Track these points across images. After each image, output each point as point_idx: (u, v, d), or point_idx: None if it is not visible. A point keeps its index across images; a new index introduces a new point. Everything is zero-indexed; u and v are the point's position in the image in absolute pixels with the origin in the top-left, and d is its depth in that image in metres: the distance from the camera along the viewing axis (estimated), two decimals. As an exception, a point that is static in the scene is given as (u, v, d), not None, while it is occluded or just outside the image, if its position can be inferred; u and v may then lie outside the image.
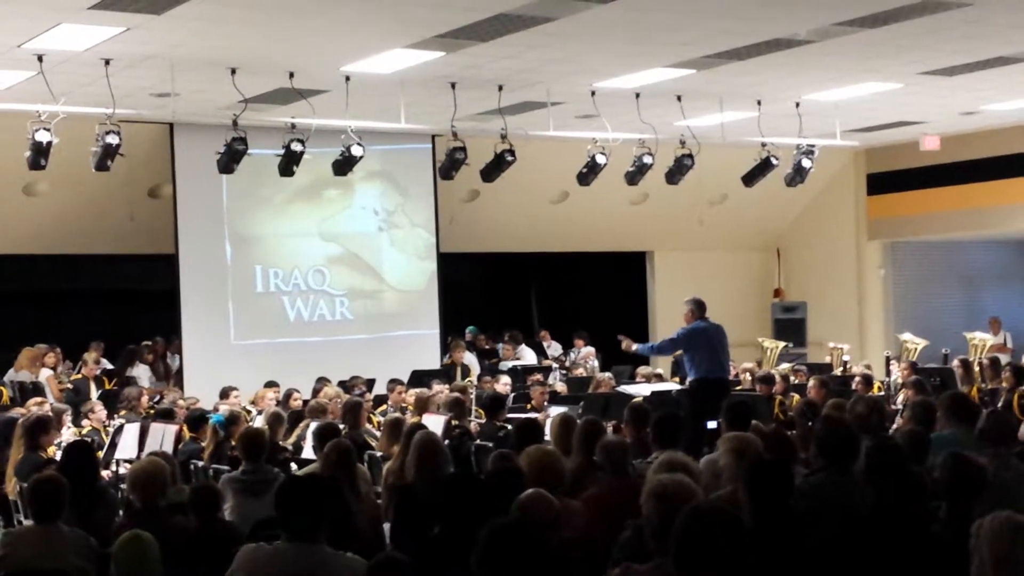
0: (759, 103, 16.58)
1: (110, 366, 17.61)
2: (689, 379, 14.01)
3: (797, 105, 16.85)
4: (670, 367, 19.61)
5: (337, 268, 18.98)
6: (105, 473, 11.07)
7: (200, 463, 11.22)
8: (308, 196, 18.64)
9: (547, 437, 9.35)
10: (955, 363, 16.26)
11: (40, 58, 12.50)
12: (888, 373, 17.73)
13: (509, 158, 16.05)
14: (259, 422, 12.69)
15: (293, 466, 10.97)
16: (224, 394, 14.52)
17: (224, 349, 17.93)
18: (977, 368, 16.05)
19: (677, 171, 17.41)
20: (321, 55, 13.23)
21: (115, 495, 9.37)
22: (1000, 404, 13.66)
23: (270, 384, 15.14)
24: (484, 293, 24.86)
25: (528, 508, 6.01)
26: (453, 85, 14.72)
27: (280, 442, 11.47)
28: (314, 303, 18.87)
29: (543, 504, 6.14)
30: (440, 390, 14.72)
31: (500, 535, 4.73)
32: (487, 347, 20.92)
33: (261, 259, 18.56)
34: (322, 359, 17.76)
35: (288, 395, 14.73)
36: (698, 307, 13.91)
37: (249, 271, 18.47)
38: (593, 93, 15.53)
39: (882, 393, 15.83)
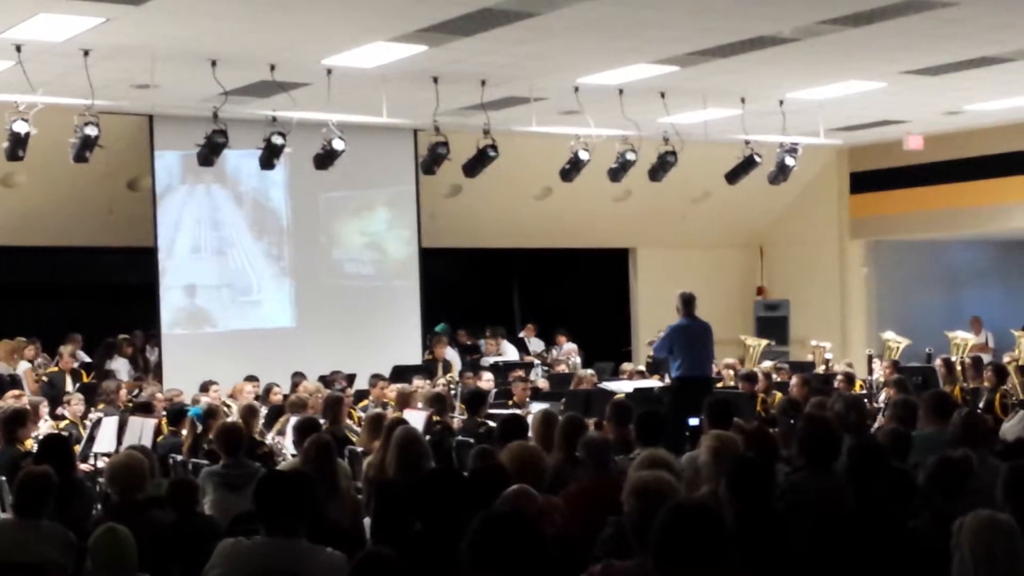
0: (743, 101, 16.58)
1: (87, 359, 17.55)
2: (671, 376, 14.02)
3: (781, 103, 16.85)
4: (646, 364, 19.62)
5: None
6: (84, 467, 11.04)
7: (179, 457, 11.18)
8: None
9: (529, 434, 9.32)
10: (937, 362, 16.28)
11: (18, 48, 12.41)
12: (870, 372, 17.76)
13: (492, 153, 16.02)
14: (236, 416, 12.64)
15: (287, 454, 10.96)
16: (204, 388, 14.50)
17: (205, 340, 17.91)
18: (959, 367, 16.07)
19: (660, 168, 17.40)
20: (302, 48, 13.17)
21: (92, 488, 9.34)
22: (982, 403, 13.71)
23: (250, 378, 15.09)
24: (466, 289, 24.83)
25: (512, 504, 5.99)
26: (435, 80, 14.67)
27: (256, 436, 11.42)
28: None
29: (527, 500, 6.12)
30: (421, 385, 14.70)
31: (494, 524, 4.70)
32: (469, 343, 20.90)
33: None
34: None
35: (268, 389, 14.71)
36: (683, 304, 13.90)
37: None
38: (576, 89, 15.49)
39: (864, 391, 15.84)
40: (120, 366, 17.51)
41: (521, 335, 21.80)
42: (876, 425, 11.79)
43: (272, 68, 13.83)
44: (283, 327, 18.82)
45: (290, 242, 18.90)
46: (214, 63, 13.43)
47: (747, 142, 17.71)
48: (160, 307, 17.61)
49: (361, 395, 15.43)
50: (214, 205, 18.37)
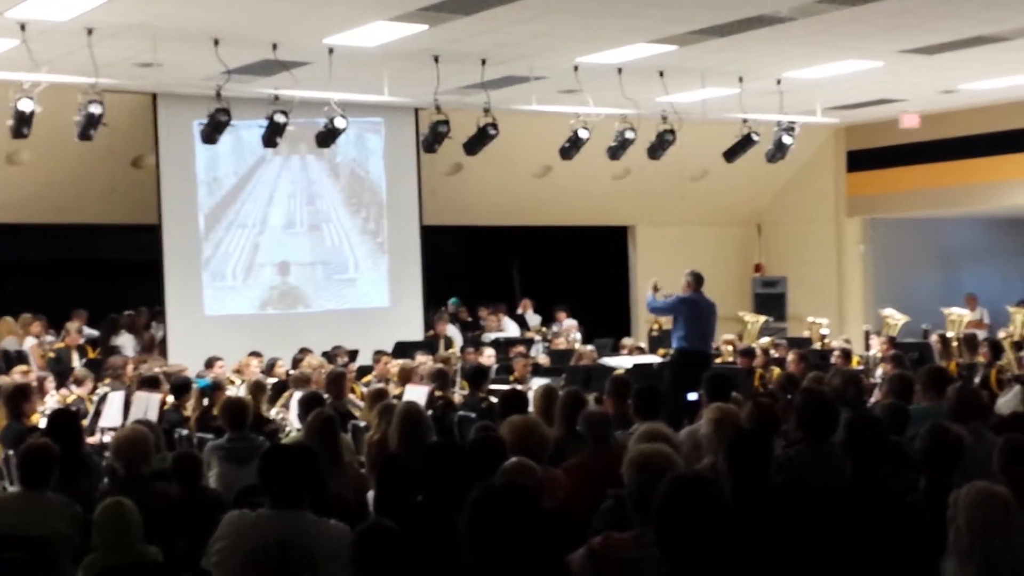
0: (740, 80, 16.60)
1: (94, 333, 17.62)
2: (672, 348, 14.14)
3: (778, 82, 16.88)
4: (648, 341, 19.68)
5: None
6: (90, 441, 11.10)
7: (185, 432, 11.26)
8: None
9: (530, 408, 9.40)
10: (933, 338, 16.38)
11: (23, 27, 12.43)
12: (867, 348, 17.83)
13: (492, 132, 16.07)
14: (243, 391, 12.72)
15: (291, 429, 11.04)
16: (209, 364, 14.56)
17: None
18: (955, 344, 16.15)
19: (659, 146, 17.45)
20: (304, 27, 13.20)
21: (99, 462, 9.40)
22: (978, 379, 13.79)
23: (254, 354, 15.16)
24: (466, 266, 24.88)
25: (512, 476, 6.07)
26: (436, 58, 14.70)
27: (263, 412, 11.51)
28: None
29: (526, 473, 6.19)
30: (424, 361, 14.78)
31: (490, 497, 4.76)
32: (469, 319, 20.96)
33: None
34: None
35: (272, 364, 14.77)
36: (695, 280, 14.12)
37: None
38: (576, 68, 15.52)
39: (861, 367, 15.92)
40: (126, 342, 17.57)
41: (519, 311, 21.85)
42: (872, 400, 11.88)
43: (274, 47, 13.86)
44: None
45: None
46: (217, 42, 13.46)
47: (745, 121, 17.76)
48: (165, 284, 17.56)
49: (364, 371, 15.51)
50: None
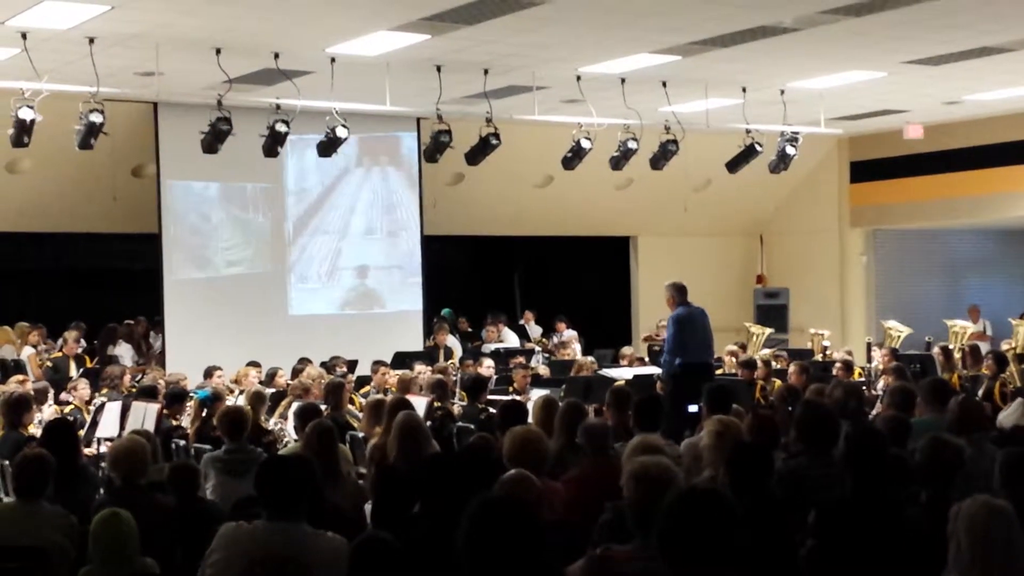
0: (744, 90, 16.60)
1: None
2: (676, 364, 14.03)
3: (782, 92, 16.86)
4: (648, 354, 19.63)
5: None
6: (87, 451, 11.06)
7: (182, 442, 11.22)
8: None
9: (530, 420, 9.36)
10: (936, 350, 16.32)
11: (24, 35, 12.44)
12: (869, 359, 17.79)
13: (494, 142, 16.05)
14: (241, 401, 12.67)
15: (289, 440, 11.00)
16: (208, 374, 14.53)
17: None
18: (958, 355, 16.11)
19: (662, 157, 17.43)
20: (306, 36, 13.20)
21: (95, 473, 9.37)
22: (982, 391, 13.73)
23: (252, 363, 15.11)
24: (468, 276, 24.86)
25: (510, 488, 6.03)
26: (439, 68, 14.69)
27: (262, 423, 11.46)
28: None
29: (525, 485, 6.16)
30: (422, 371, 14.73)
31: (488, 510, 4.73)
32: (469, 330, 20.94)
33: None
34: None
35: (272, 374, 14.73)
36: (679, 292, 13.83)
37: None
38: (579, 78, 15.52)
39: (863, 379, 15.88)
40: (124, 352, 17.54)
41: (521, 322, 21.83)
42: (874, 412, 11.84)
43: (276, 56, 13.87)
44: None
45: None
46: (218, 51, 13.46)
47: (748, 131, 17.73)
48: (164, 293, 17.65)
49: (363, 381, 15.47)
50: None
